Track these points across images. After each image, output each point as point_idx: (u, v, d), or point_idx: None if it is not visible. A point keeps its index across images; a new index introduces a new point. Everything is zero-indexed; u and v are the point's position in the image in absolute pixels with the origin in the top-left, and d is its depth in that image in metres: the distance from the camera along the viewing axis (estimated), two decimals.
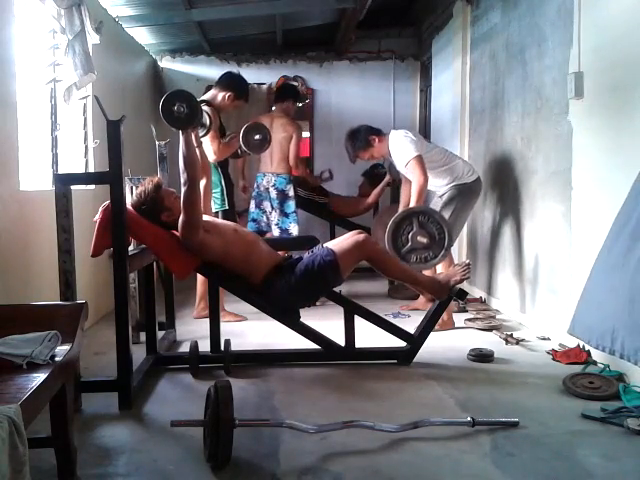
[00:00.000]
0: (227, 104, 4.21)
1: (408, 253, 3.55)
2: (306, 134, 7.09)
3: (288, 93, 5.15)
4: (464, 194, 4.02)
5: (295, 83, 6.79)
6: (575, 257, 3.34)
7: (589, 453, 2.15)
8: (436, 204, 4.19)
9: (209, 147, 4.05)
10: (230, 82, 4.24)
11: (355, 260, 3.09)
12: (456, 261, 4.54)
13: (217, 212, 4.18)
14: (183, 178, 2.89)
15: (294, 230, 4.88)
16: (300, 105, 5.12)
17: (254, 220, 4.97)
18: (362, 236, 3.08)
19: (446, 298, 3.20)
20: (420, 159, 3.89)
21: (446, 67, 5.80)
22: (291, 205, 4.91)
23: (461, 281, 3.15)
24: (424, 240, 3.45)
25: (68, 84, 3.69)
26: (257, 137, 4.10)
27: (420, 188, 3.84)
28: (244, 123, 6.56)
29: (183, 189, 2.89)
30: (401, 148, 3.99)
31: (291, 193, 4.91)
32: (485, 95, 4.89)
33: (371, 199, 5.80)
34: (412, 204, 3.87)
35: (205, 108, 4.01)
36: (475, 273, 5.10)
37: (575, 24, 3.31)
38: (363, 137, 4.17)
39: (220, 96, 4.19)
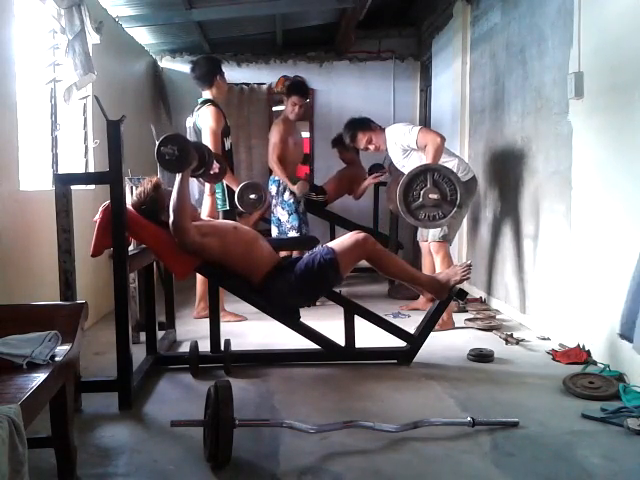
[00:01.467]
0: (218, 89, 4.20)
1: (417, 209, 3.52)
2: (306, 134, 7.10)
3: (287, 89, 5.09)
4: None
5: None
6: (575, 257, 3.34)
7: (589, 453, 2.15)
8: None
9: (209, 145, 4.03)
10: (212, 70, 4.21)
11: (355, 259, 3.09)
12: (455, 261, 4.55)
13: (218, 212, 4.18)
14: (170, 217, 2.88)
15: (273, 232, 4.90)
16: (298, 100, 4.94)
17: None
18: (362, 235, 3.09)
19: (446, 298, 3.20)
20: (426, 128, 3.93)
21: (446, 67, 5.80)
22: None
23: (461, 281, 3.15)
24: (435, 196, 3.40)
25: (68, 84, 3.69)
26: (252, 196, 4.10)
27: (437, 146, 3.79)
28: (244, 122, 6.70)
29: (170, 223, 2.89)
30: (403, 132, 4.01)
31: (273, 193, 4.93)
32: (485, 95, 4.89)
33: (358, 193, 5.80)
34: (427, 161, 3.80)
35: (206, 131, 4.01)
36: (475, 273, 5.09)
37: (575, 24, 3.31)
38: (365, 121, 4.26)
39: (215, 89, 4.19)
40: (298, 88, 4.99)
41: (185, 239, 2.91)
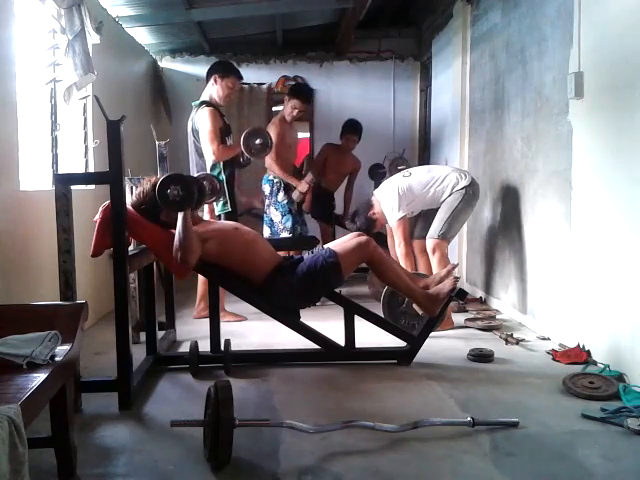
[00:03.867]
0: (219, 89, 4.21)
1: (399, 314, 3.68)
2: (306, 134, 7.10)
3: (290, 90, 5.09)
4: (463, 197, 4.00)
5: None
6: (575, 257, 3.34)
7: (589, 453, 2.15)
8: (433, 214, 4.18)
9: (208, 147, 4.05)
10: (210, 69, 4.28)
11: (357, 261, 3.09)
12: (455, 261, 4.54)
13: (219, 215, 4.17)
14: (176, 255, 2.87)
15: (265, 232, 4.90)
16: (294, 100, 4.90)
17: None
18: (364, 238, 3.10)
19: (437, 314, 3.20)
20: (402, 222, 4.04)
21: (446, 67, 5.80)
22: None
23: (452, 291, 3.13)
24: (419, 310, 3.46)
25: (68, 84, 3.69)
26: (258, 141, 4.09)
27: (402, 254, 4.02)
28: (244, 122, 6.69)
29: (175, 257, 2.88)
30: (388, 207, 4.09)
31: (266, 193, 4.93)
32: (485, 95, 4.89)
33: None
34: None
35: (207, 150, 4.02)
36: (475, 273, 5.10)
37: (575, 24, 3.31)
38: (365, 219, 4.23)
39: (211, 87, 4.22)
40: (301, 93, 4.96)
41: (190, 265, 2.93)
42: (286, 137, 4.87)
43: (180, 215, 2.84)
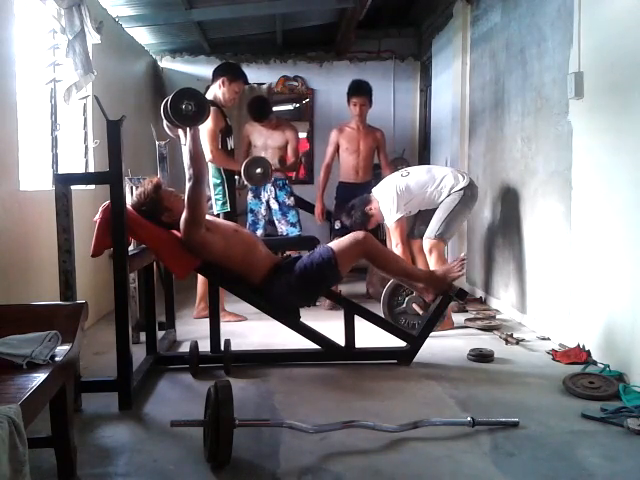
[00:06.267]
0: (226, 92, 4.21)
1: (399, 314, 3.69)
2: (303, 134, 7.09)
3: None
4: (462, 198, 4.00)
5: (295, 83, 6.84)
6: (575, 257, 3.34)
7: (589, 453, 2.15)
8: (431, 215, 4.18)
9: (205, 144, 4.02)
10: (219, 70, 4.28)
11: (354, 256, 3.09)
12: (449, 259, 4.54)
13: (218, 214, 4.17)
14: (189, 174, 2.88)
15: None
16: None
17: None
18: (361, 233, 3.11)
19: (445, 295, 3.20)
20: (400, 223, 4.04)
21: (446, 67, 5.80)
22: None
23: (457, 277, 3.16)
24: (419, 310, 3.46)
25: (68, 84, 3.69)
26: (258, 170, 4.17)
27: (401, 253, 3.99)
28: (245, 122, 6.67)
29: (188, 185, 2.88)
30: (386, 208, 4.09)
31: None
32: (485, 95, 4.89)
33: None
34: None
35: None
36: (475, 273, 5.10)
37: (575, 24, 3.31)
38: (361, 214, 4.20)
39: (218, 88, 4.21)
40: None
41: (200, 217, 2.91)
42: (255, 140, 5.12)
43: (189, 132, 2.85)
